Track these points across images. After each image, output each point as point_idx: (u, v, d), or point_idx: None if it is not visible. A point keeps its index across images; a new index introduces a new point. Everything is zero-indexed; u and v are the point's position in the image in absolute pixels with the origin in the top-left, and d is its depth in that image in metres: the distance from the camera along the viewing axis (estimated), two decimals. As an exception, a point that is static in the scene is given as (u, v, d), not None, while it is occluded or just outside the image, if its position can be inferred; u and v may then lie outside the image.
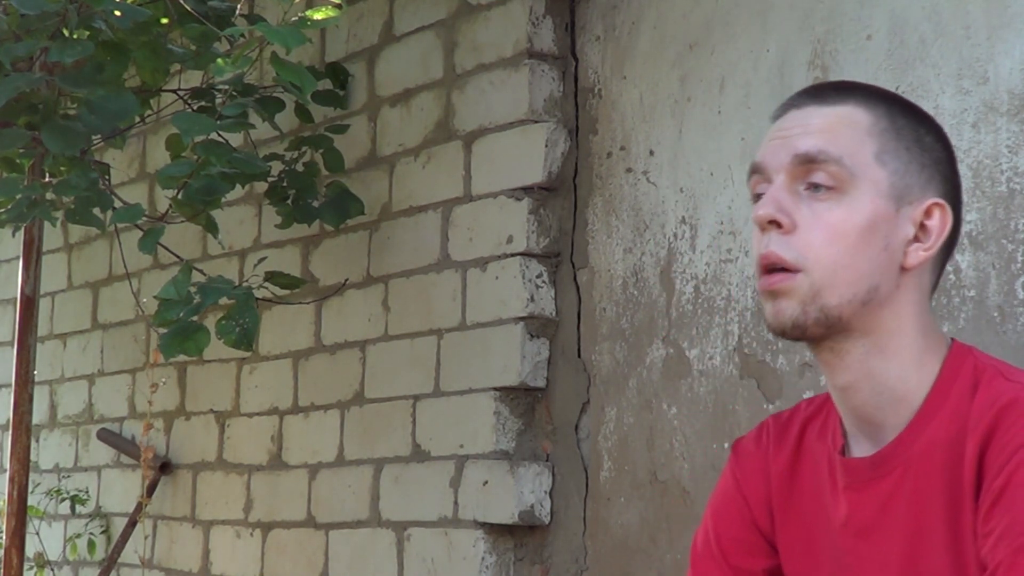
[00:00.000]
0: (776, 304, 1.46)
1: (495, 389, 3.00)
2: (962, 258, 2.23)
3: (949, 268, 2.23)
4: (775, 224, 1.46)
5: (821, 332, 1.46)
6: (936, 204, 1.48)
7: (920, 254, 1.48)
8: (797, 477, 1.59)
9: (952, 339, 1.53)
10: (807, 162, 1.47)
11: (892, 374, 1.48)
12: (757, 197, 1.51)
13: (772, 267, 1.47)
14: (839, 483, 1.52)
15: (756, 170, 1.52)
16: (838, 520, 1.52)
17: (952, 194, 1.52)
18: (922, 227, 1.48)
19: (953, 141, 2.24)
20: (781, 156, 1.48)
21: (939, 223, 1.48)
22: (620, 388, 2.84)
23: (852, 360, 1.48)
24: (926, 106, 2.30)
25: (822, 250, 1.45)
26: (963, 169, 2.23)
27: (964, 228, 2.22)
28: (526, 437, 3.01)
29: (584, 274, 2.95)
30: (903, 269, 1.47)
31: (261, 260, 3.49)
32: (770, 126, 1.56)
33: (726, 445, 2.61)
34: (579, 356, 2.94)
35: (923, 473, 1.44)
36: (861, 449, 1.52)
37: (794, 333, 1.47)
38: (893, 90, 2.36)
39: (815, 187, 1.46)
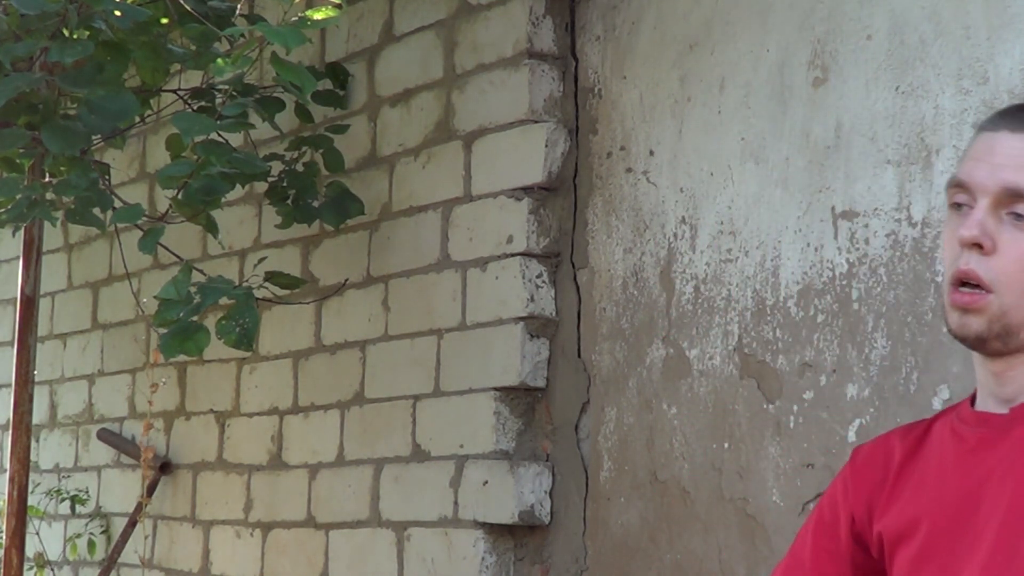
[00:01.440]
0: (964, 317, 1.58)
1: (495, 389, 3.00)
2: (962, 258, 2.23)
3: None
4: (978, 246, 1.57)
5: (1000, 347, 1.58)
6: None
7: None
8: (919, 455, 1.69)
9: None
10: (1015, 196, 1.56)
11: None
12: (955, 206, 1.61)
13: (967, 282, 1.58)
14: (970, 437, 1.62)
15: (960, 185, 1.61)
16: (966, 471, 1.61)
17: None
18: None
19: (953, 141, 2.25)
20: (990, 183, 1.57)
21: None
22: (620, 388, 2.84)
23: (1018, 370, 1.60)
24: (926, 106, 2.30)
25: (1016, 275, 1.56)
26: (963, 169, 2.23)
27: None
28: (526, 437, 3.01)
29: (584, 274, 2.95)
30: None
31: (261, 260, 3.49)
32: (974, 135, 1.63)
33: (726, 445, 2.61)
34: (579, 356, 2.94)
35: None
36: (994, 409, 1.63)
37: (976, 344, 1.59)
38: (894, 90, 2.37)
39: (1017, 216, 1.56)
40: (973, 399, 1.67)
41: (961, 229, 1.58)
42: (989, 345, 1.58)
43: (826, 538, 1.75)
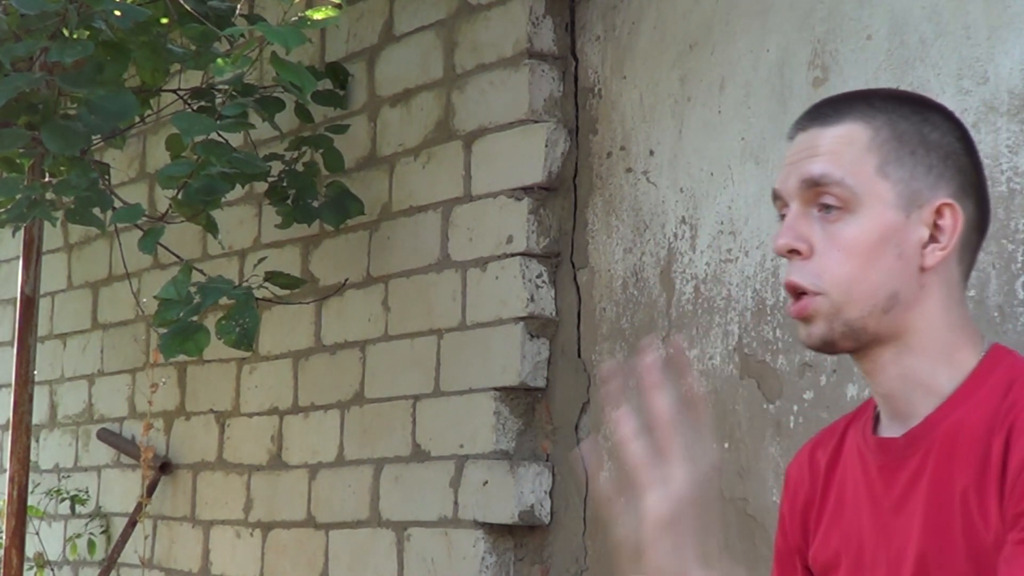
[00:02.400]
0: (806, 328, 1.55)
1: (495, 389, 3.00)
2: (962, 258, 2.23)
3: (949, 268, 2.23)
4: (795, 252, 1.54)
5: (852, 345, 1.54)
6: (945, 204, 1.52)
7: (937, 254, 1.53)
8: (836, 471, 1.66)
9: (994, 343, 1.57)
10: (814, 186, 1.53)
11: (923, 370, 1.54)
12: (782, 218, 1.58)
13: (797, 294, 1.55)
14: (871, 463, 1.58)
15: (776, 196, 1.59)
16: (872, 499, 1.58)
17: (968, 183, 1.56)
18: (936, 227, 1.53)
19: (953, 141, 2.24)
20: (791, 182, 1.55)
21: (951, 222, 1.52)
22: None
23: (885, 362, 1.55)
24: (926, 106, 2.30)
25: (837, 269, 1.52)
26: (963, 169, 2.23)
27: (964, 228, 2.22)
28: (526, 437, 3.01)
29: (584, 274, 2.95)
30: (923, 270, 1.53)
31: (261, 260, 3.49)
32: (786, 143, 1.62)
33: (726, 445, 2.61)
34: (579, 356, 2.94)
35: (946, 455, 1.50)
36: (891, 431, 1.58)
37: (827, 349, 1.55)
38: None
39: (826, 208, 1.53)
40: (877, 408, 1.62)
41: (775, 239, 1.55)
42: (840, 346, 1.53)
43: (789, 568, 1.73)
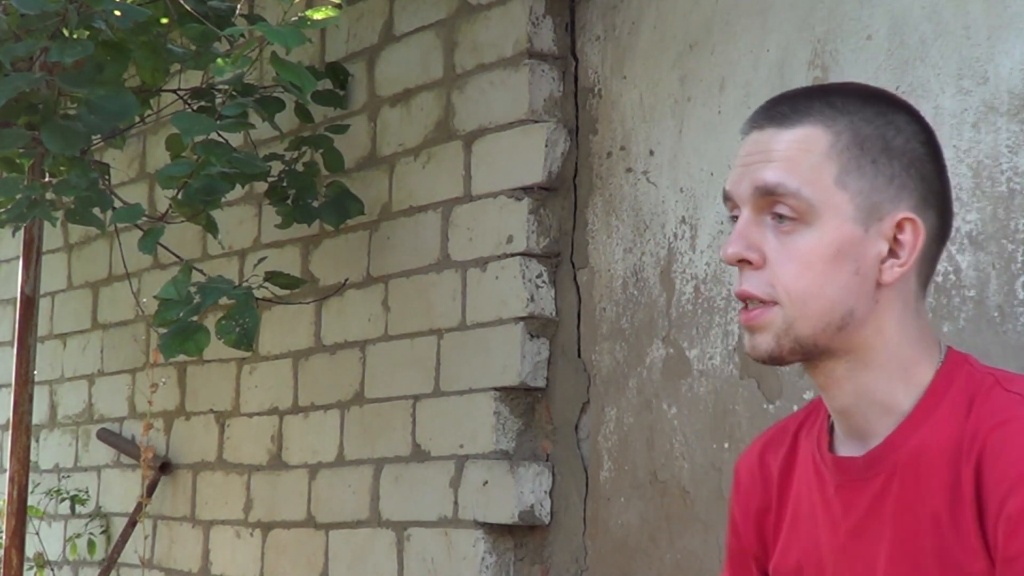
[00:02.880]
0: (753, 338, 1.47)
1: (495, 389, 3.00)
2: (962, 258, 2.22)
3: (949, 268, 2.23)
4: (745, 262, 1.46)
5: (799, 358, 1.47)
6: (906, 219, 1.45)
7: (895, 271, 1.46)
8: (792, 479, 1.60)
9: (948, 348, 1.51)
10: (768, 194, 1.45)
11: (879, 387, 1.47)
12: (733, 219, 1.50)
13: (749, 302, 1.47)
14: (829, 482, 1.52)
15: (727, 197, 1.51)
16: (829, 518, 1.52)
17: (931, 192, 1.48)
18: (895, 241, 1.46)
19: (953, 141, 2.25)
20: (744, 187, 1.48)
21: (911, 237, 1.46)
22: (620, 388, 2.84)
23: (838, 377, 1.48)
24: (926, 106, 2.30)
25: (792, 283, 1.44)
26: (963, 169, 2.23)
27: (964, 228, 2.22)
28: (526, 437, 3.01)
29: (584, 274, 2.95)
30: (880, 285, 1.46)
31: (261, 260, 3.49)
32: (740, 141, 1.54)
33: (726, 445, 2.61)
34: (579, 356, 2.94)
35: (911, 479, 1.44)
36: (848, 449, 1.52)
37: (772, 363, 1.48)
38: (894, 90, 2.36)
39: (780, 217, 1.45)
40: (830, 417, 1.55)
41: (724, 247, 1.47)
42: (786, 360, 1.47)
43: (743, 570, 1.68)
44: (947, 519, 1.41)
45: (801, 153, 1.45)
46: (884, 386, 1.47)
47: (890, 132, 1.47)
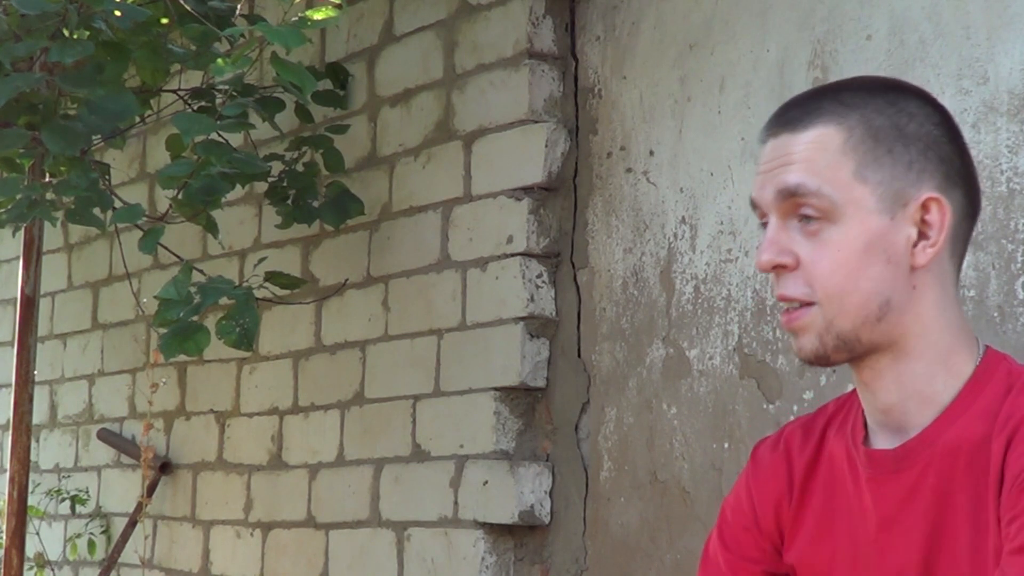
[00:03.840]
0: (798, 341, 1.50)
1: (495, 389, 3.00)
2: (962, 258, 2.22)
3: (949, 268, 2.23)
4: (780, 267, 1.48)
5: (846, 356, 1.49)
6: (931, 199, 1.47)
7: (928, 252, 1.47)
8: (817, 472, 1.60)
9: (987, 346, 1.52)
10: (791, 196, 1.47)
11: (919, 375, 1.49)
12: (763, 225, 1.53)
13: (790, 305, 1.49)
14: (861, 475, 1.53)
15: (754, 205, 1.53)
16: (861, 511, 1.53)
17: (953, 171, 1.49)
18: (924, 223, 1.47)
19: (953, 141, 2.24)
20: (768, 193, 1.50)
21: (938, 216, 1.47)
22: (620, 388, 2.84)
23: (883, 370, 1.50)
24: (926, 106, 2.30)
25: (827, 280, 1.46)
26: (963, 169, 2.23)
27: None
28: (526, 437, 3.01)
29: (584, 274, 2.95)
30: (914, 269, 1.47)
31: (261, 260, 3.48)
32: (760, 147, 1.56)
33: (726, 445, 2.61)
34: (579, 356, 2.94)
35: (947, 470, 1.45)
36: (882, 442, 1.52)
37: (821, 363, 1.50)
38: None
39: (806, 219, 1.47)
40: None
41: (758, 254, 1.49)
42: (833, 359, 1.48)
43: (738, 546, 1.66)
44: (981, 509, 1.43)
45: (817, 153, 1.47)
46: (925, 375, 1.48)
47: (903, 119, 1.48)
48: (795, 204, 1.47)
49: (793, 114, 1.51)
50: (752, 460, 1.69)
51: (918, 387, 1.49)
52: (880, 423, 1.53)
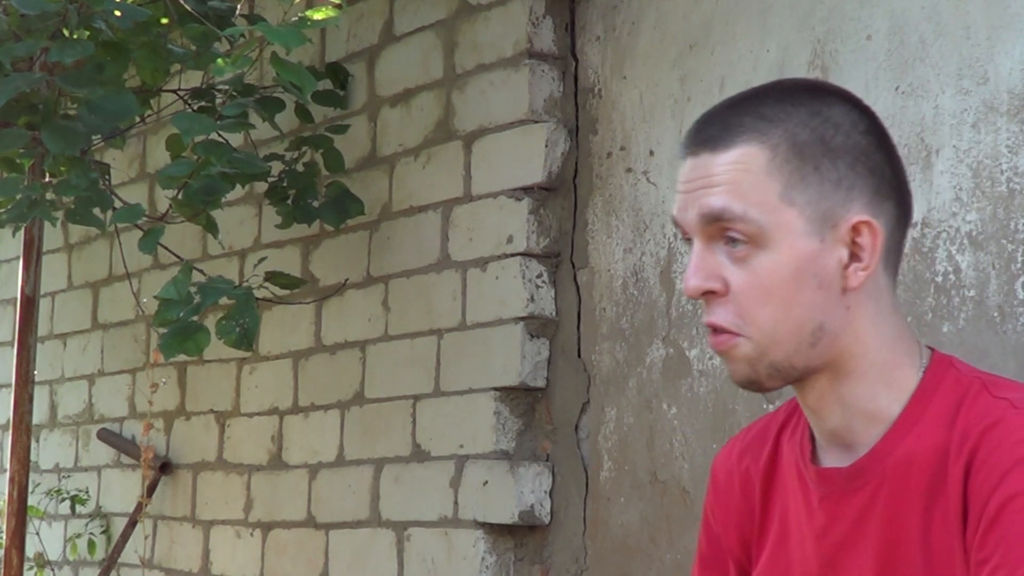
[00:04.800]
0: (730, 365, 1.44)
1: (495, 389, 3.00)
2: (962, 258, 2.22)
3: (949, 268, 2.23)
4: (710, 293, 1.42)
5: (780, 383, 1.43)
6: (861, 222, 1.40)
7: (860, 274, 1.41)
8: (775, 481, 1.57)
9: (932, 351, 1.47)
10: (715, 220, 1.40)
11: (861, 394, 1.44)
12: (687, 240, 1.46)
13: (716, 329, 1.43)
14: (813, 493, 1.49)
15: (676, 223, 1.46)
16: (812, 529, 1.49)
17: (883, 183, 1.43)
18: (854, 244, 1.41)
19: (953, 141, 2.25)
20: (691, 216, 1.42)
21: (869, 240, 1.40)
22: (620, 388, 2.84)
23: (825, 391, 1.45)
24: (926, 106, 2.30)
25: (758, 314, 1.40)
26: (963, 169, 2.23)
27: (964, 228, 2.22)
28: (526, 437, 3.01)
29: (584, 274, 2.95)
30: (846, 291, 1.41)
31: (261, 260, 3.49)
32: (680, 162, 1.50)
33: (726, 445, 2.61)
34: (579, 356, 2.94)
35: (899, 488, 1.41)
36: (831, 460, 1.48)
37: (754, 389, 1.44)
38: (894, 90, 2.36)
39: (732, 241, 1.40)
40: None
41: (686, 279, 1.42)
42: (768, 386, 1.43)
43: (719, 571, 1.63)
44: (933, 526, 1.39)
45: (741, 175, 1.40)
46: (867, 394, 1.43)
47: (828, 131, 1.41)
48: (720, 228, 1.40)
49: (713, 131, 1.44)
50: (711, 477, 1.65)
51: (862, 406, 1.44)
52: (828, 441, 1.48)
